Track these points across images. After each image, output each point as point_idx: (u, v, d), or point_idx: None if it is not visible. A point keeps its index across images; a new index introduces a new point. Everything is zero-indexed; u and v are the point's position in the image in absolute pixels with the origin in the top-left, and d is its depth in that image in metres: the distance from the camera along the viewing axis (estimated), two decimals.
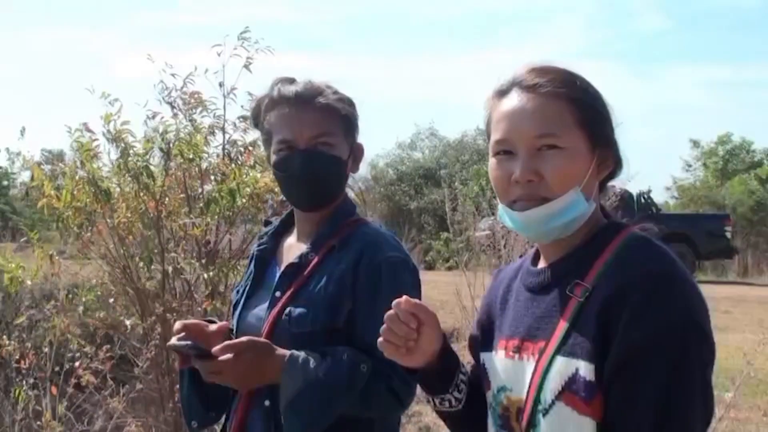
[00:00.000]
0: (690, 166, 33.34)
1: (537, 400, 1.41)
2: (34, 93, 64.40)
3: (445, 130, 39.55)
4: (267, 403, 1.98)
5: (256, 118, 2.16)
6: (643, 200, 18.43)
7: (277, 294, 2.03)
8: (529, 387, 1.43)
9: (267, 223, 2.28)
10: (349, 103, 2.11)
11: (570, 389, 1.37)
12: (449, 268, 18.13)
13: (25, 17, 68.29)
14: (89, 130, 4.71)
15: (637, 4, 59.88)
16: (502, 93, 1.52)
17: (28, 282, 5.02)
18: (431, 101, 58.17)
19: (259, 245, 2.20)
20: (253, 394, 2.02)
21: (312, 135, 2.03)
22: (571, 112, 1.46)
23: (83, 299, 4.96)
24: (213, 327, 2.05)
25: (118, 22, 65.47)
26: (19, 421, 4.93)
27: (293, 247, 2.12)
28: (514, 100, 1.49)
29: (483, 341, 1.66)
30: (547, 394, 1.40)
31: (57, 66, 65.66)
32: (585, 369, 1.36)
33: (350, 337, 1.95)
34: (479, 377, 1.64)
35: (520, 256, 1.75)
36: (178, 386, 2.34)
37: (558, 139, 1.44)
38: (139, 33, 63.67)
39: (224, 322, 2.12)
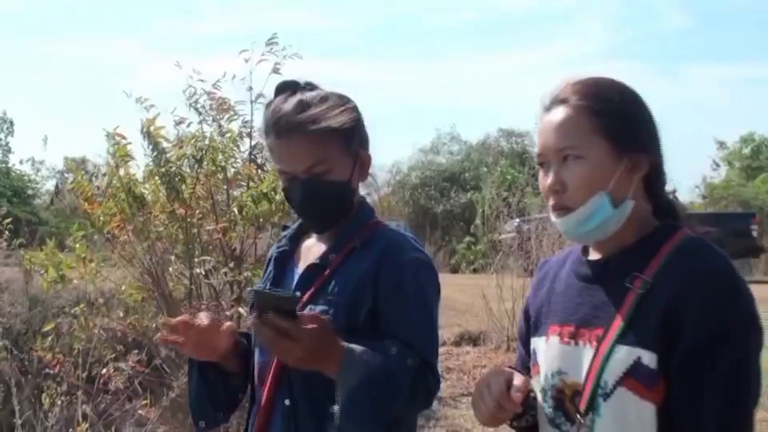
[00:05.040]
0: (718, 165, 33.18)
1: (597, 385, 1.51)
2: (53, 102, 65.09)
3: (466, 134, 39.61)
4: (287, 402, 1.96)
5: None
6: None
7: (297, 294, 1.99)
8: (588, 372, 1.53)
9: (285, 227, 2.27)
10: (349, 111, 2.01)
11: (632, 376, 1.48)
12: (474, 271, 18.09)
13: (46, 28, 69.03)
14: (120, 135, 4.78)
15: (660, 3, 59.58)
16: (545, 109, 1.66)
17: (75, 281, 5.06)
18: (450, 105, 58.29)
19: (278, 247, 2.18)
20: (274, 394, 1.99)
21: (307, 166, 1.97)
22: (593, 123, 1.59)
23: (127, 301, 4.99)
24: (225, 325, 2.05)
25: (139, 30, 65.97)
26: (50, 427, 4.95)
27: (313, 249, 2.10)
28: (550, 114, 1.64)
29: (533, 328, 1.76)
30: (609, 379, 1.50)
31: (78, 75, 66.31)
32: (648, 357, 1.47)
33: (371, 337, 1.90)
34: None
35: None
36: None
37: (578, 150, 1.58)
38: (161, 41, 64.34)
39: (231, 323, 2.10)
